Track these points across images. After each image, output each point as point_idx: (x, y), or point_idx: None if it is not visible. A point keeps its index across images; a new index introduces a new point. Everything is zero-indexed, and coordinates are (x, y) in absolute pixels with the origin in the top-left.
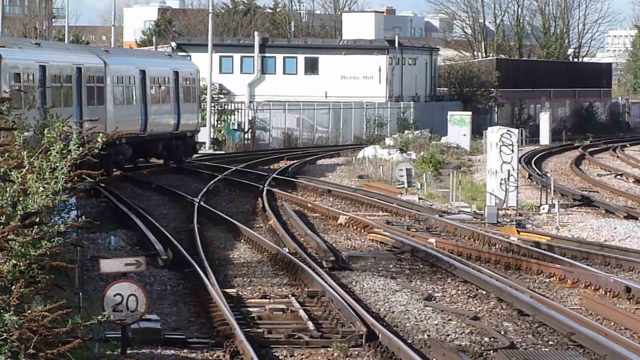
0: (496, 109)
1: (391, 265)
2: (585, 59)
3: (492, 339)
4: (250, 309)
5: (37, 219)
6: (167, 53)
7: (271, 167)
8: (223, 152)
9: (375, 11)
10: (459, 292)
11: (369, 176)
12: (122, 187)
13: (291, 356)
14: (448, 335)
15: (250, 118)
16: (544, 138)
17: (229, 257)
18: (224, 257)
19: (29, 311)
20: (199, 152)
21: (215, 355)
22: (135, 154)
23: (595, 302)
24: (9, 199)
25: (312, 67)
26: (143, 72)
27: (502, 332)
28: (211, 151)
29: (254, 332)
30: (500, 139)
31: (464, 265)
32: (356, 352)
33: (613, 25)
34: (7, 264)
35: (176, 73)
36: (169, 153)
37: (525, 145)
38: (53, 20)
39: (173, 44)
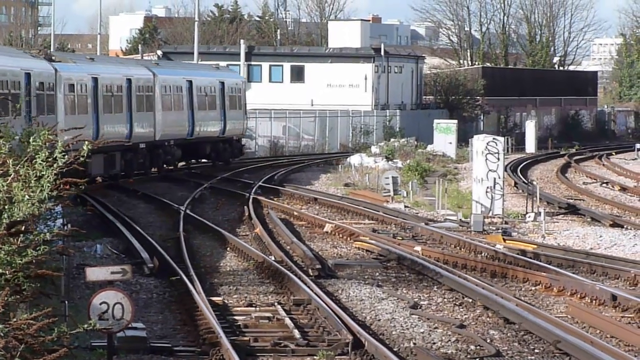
0: (482, 117)
1: (377, 274)
2: (571, 67)
3: (478, 347)
4: (236, 317)
5: (23, 227)
6: (215, 65)
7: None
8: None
9: (361, 19)
10: (445, 300)
11: (355, 184)
12: (109, 195)
13: None
14: (434, 343)
15: None
16: (530, 146)
17: (215, 265)
18: (210, 265)
19: (15, 319)
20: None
21: None
22: (184, 154)
23: (581, 310)
24: None
25: (298, 75)
26: (190, 82)
27: (488, 340)
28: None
29: (239, 341)
30: (486, 147)
31: (450, 273)
32: None
33: (599, 33)
34: None
35: (222, 83)
36: (217, 154)
37: (511, 153)
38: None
39: (159, 52)
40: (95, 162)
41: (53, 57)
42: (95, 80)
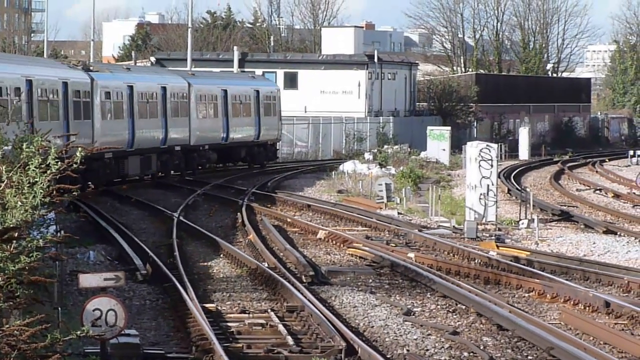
0: (475, 123)
1: (370, 280)
2: (565, 74)
3: (471, 354)
4: (229, 324)
5: (16, 234)
6: (251, 75)
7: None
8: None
9: (355, 26)
10: (439, 306)
11: (349, 191)
12: (102, 201)
13: None
14: (427, 350)
15: None
16: (523, 153)
17: (208, 272)
18: (204, 271)
19: (8, 326)
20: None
21: None
22: (219, 158)
23: (575, 316)
24: None
25: (291, 81)
26: (225, 91)
27: (482, 347)
28: None
29: (233, 347)
30: (480, 153)
31: (443, 280)
32: None
33: (592, 40)
34: None
35: (257, 92)
36: (252, 158)
37: (505, 160)
38: (32, 34)
39: (152, 58)
40: (131, 162)
41: (91, 68)
42: (130, 88)
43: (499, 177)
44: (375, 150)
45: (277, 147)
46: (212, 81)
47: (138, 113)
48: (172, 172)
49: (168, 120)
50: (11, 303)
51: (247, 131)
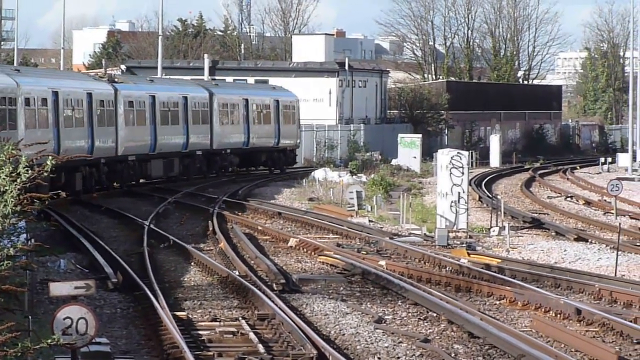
0: (446, 131)
1: (342, 288)
2: (536, 81)
3: None
4: (200, 332)
5: None
6: (272, 86)
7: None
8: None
9: (326, 34)
10: (410, 314)
11: (320, 199)
12: (72, 210)
13: None
14: (399, 358)
15: None
16: (494, 160)
17: (179, 280)
18: (174, 280)
19: None
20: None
21: None
22: (241, 162)
23: (546, 324)
24: None
25: None
26: (246, 100)
27: (453, 355)
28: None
29: (204, 355)
30: (451, 161)
31: (414, 287)
32: None
33: (563, 47)
34: None
35: (277, 101)
36: (272, 162)
37: (476, 167)
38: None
39: (122, 66)
40: (154, 165)
41: (116, 79)
42: (153, 97)
43: (470, 184)
44: (347, 158)
45: (296, 153)
46: (234, 91)
47: (160, 120)
48: (193, 175)
49: (189, 127)
50: None
51: (267, 137)
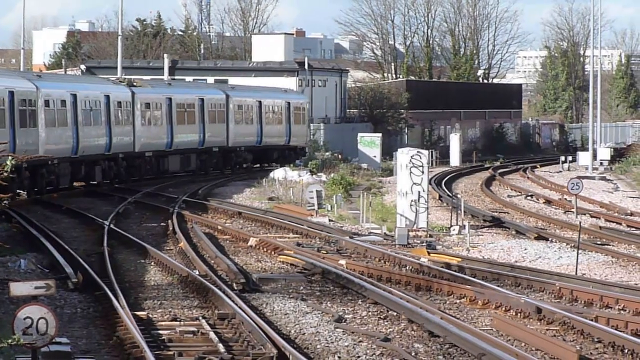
0: (406, 130)
1: (302, 287)
2: (496, 80)
3: None
4: (160, 332)
5: None
6: (284, 89)
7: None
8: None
9: (285, 33)
10: (370, 313)
11: (280, 198)
12: (33, 210)
13: None
14: (359, 357)
15: None
16: (454, 159)
17: (139, 280)
18: (135, 279)
19: None
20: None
21: None
22: (254, 159)
23: (506, 323)
24: None
25: None
26: (260, 102)
27: (413, 354)
28: None
29: (164, 355)
30: (411, 160)
31: (374, 286)
32: None
33: (523, 46)
34: None
35: (288, 103)
36: (284, 159)
37: (436, 166)
38: None
39: (82, 66)
40: (172, 160)
41: (134, 83)
42: (169, 99)
43: (430, 183)
44: (307, 157)
45: (306, 151)
46: (248, 93)
47: (176, 120)
48: (211, 169)
49: (206, 126)
50: None
51: (279, 137)
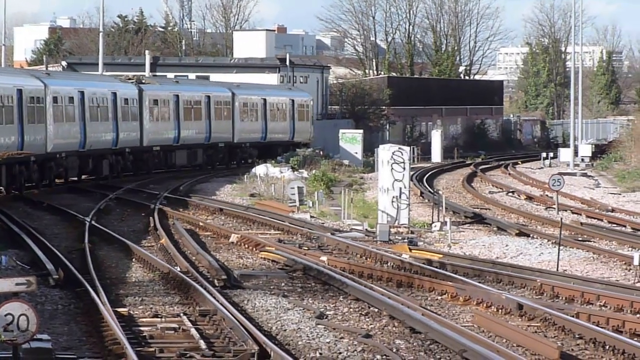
0: (388, 126)
1: (283, 284)
2: (477, 77)
3: (384, 357)
4: (141, 328)
5: None
6: (288, 87)
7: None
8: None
9: (267, 29)
10: (351, 310)
11: (261, 194)
12: (14, 207)
13: None
14: (340, 353)
15: None
16: (436, 156)
17: (120, 276)
18: (116, 276)
19: None
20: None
21: None
22: (259, 154)
23: (488, 319)
24: None
25: None
26: (264, 100)
27: (394, 350)
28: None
29: (145, 352)
30: (392, 156)
31: (356, 283)
32: None
33: (505, 42)
34: None
35: (292, 100)
36: None
37: (417, 163)
38: None
39: (64, 63)
40: (179, 155)
41: (143, 81)
42: (177, 96)
43: (411, 180)
44: (288, 154)
45: (310, 147)
46: (254, 92)
47: (183, 116)
48: (217, 163)
49: (212, 122)
50: None
51: (283, 133)
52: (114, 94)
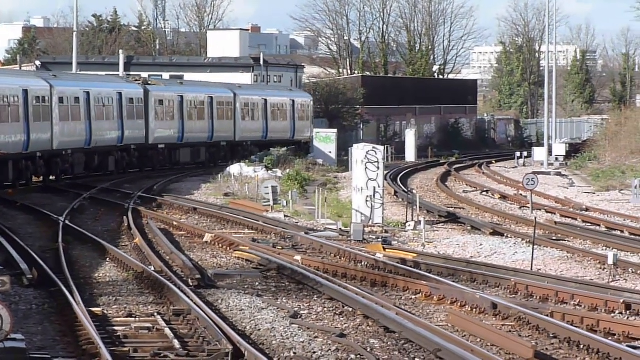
0: (362, 126)
1: (257, 283)
2: (451, 76)
3: (358, 356)
4: (116, 328)
5: None
6: (289, 88)
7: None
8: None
9: (241, 29)
10: (325, 309)
11: (235, 194)
12: None
13: None
14: (314, 352)
15: None
16: (410, 155)
17: (94, 276)
18: (90, 276)
19: None
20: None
21: None
22: (261, 152)
23: (462, 318)
24: None
25: None
26: (265, 100)
27: (369, 349)
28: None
29: (119, 351)
30: (366, 156)
31: (330, 282)
32: None
33: (478, 41)
34: None
35: (293, 101)
36: None
37: (391, 162)
38: None
39: (38, 62)
40: (183, 153)
41: (149, 82)
42: (181, 97)
43: (385, 179)
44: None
45: (310, 146)
46: (255, 92)
47: (187, 116)
48: (219, 161)
49: (214, 122)
50: None
51: (284, 132)
52: (120, 94)
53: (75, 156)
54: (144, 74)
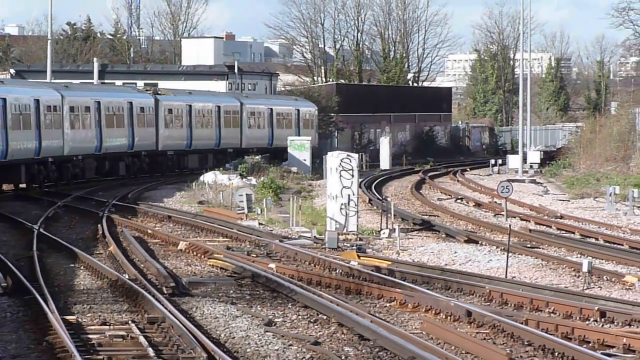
0: (336, 133)
1: (231, 291)
2: (425, 84)
3: None
4: (90, 336)
5: None
6: (294, 98)
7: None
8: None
9: (215, 37)
10: (300, 317)
11: (209, 202)
12: None
13: None
14: None
15: None
16: (385, 162)
17: (69, 284)
18: (64, 284)
19: None
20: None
21: None
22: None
23: (436, 326)
24: None
25: None
26: (271, 109)
27: (343, 357)
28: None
29: (93, 359)
30: (340, 163)
31: (304, 290)
32: None
33: (453, 49)
34: None
35: (298, 110)
36: None
37: (366, 170)
38: None
39: (12, 70)
40: (191, 159)
41: (159, 92)
42: (189, 106)
43: (360, 187)
44: (237, 161)
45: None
46: (261, 101)
47: (195, 124)
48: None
49: (222, 130)
50: None
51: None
52: (130, 104)
53: (86, 161)
54: (118, 82)
